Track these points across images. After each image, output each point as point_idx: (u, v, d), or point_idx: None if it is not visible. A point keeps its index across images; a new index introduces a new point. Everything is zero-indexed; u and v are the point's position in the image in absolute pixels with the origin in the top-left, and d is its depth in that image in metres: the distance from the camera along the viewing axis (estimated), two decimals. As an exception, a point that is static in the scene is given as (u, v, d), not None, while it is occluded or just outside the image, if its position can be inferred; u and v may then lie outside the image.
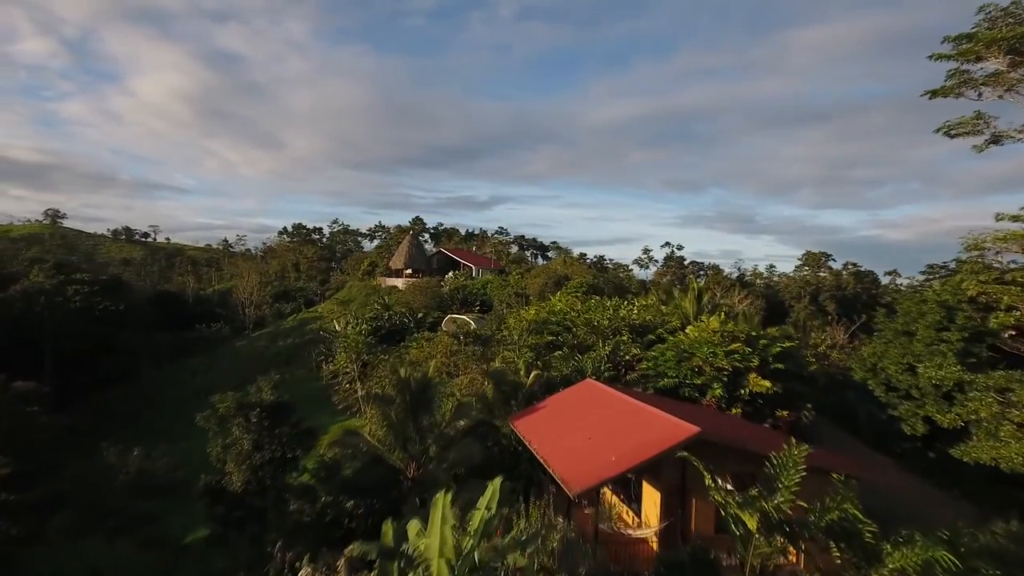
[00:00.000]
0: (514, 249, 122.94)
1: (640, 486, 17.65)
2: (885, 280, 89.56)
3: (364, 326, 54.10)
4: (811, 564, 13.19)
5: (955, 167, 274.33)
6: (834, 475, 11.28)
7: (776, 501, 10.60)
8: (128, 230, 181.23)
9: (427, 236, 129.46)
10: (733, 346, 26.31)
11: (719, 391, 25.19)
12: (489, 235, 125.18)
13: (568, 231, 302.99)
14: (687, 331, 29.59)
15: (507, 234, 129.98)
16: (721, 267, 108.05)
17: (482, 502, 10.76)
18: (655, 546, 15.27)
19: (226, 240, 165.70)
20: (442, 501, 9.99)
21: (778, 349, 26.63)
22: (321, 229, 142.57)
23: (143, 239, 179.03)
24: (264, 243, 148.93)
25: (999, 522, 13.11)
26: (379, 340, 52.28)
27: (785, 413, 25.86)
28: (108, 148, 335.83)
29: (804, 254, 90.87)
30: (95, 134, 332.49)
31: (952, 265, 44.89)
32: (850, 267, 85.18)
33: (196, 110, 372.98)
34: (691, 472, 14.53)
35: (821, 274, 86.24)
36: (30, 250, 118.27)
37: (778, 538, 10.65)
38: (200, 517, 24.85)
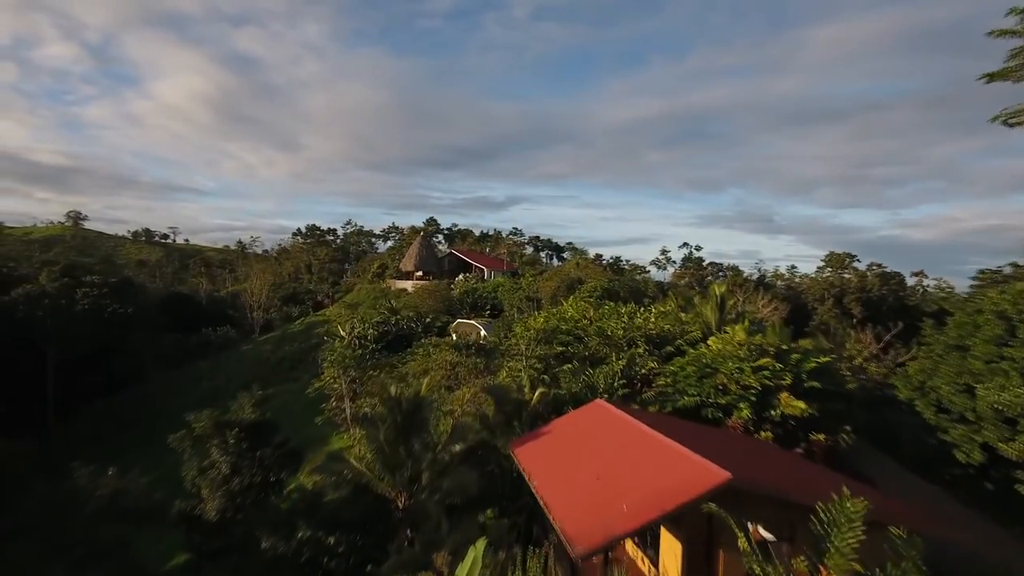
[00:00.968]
0: (529, 250, 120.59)
1: (658, 528, 15.23)
2: (911, 281, 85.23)
3: (370, 331, 52.41)
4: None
5: (979, 165, 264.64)
6: (893, 530, 8.91)
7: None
8: (148, 231, 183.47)
9: (441, 237, 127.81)
10: (762, 361, 23.64)
11: (746, 412, 22.55)
12: (503, 236, 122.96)
13: (585, 231, 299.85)
14: (709, 343, 26.97)
15: (522, 235, 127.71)
16: (741, 268, 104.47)
17: (461, 573, 8.99)
18: (675, 609, 12.86)
19: (240, 241, 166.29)
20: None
21: (813, 365, 23.88)
22: (335, 230, 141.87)
23: (162, 240, 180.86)
24: (279, 244, 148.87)
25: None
26: (385, 346, 50.48)
27: (821, 437, 23.11)
28: (130, 151, 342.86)
29: (828, 255, 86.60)
30: (117, 137, 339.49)
31: (1007, 270, 41.41)
32: (875, 268, 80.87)
33: (215, 113, 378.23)
34: (719, 521, 12.19)
35: (845, 275, 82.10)
36: (50, 251, 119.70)
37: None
38: (180, 542, 23.08)
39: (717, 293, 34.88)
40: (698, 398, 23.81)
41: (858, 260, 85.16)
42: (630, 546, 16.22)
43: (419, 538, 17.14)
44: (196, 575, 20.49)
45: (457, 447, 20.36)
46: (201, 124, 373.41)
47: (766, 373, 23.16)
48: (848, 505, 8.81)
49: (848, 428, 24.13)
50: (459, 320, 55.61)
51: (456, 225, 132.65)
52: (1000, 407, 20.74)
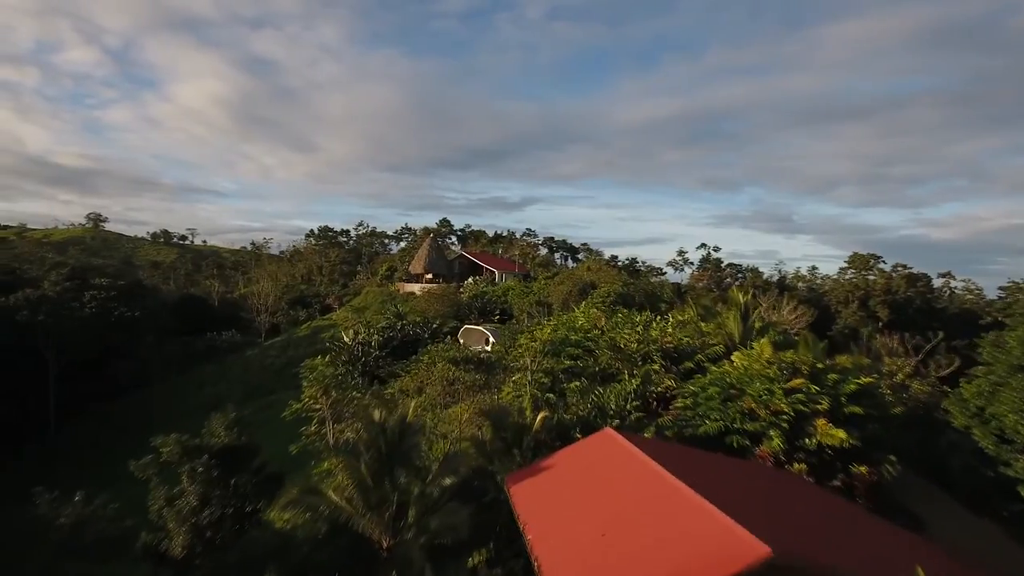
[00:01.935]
0: (543, 251, 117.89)
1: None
2: (938, 283, 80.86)
3: (375, 337, 50.56)
4: None
5: (1003, 162, 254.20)
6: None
7: None
8: (166, 233, 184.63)
9: (454, 238, 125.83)
10: (794, 382, 20.91)
11: (777, 442, 19.89)
12: (517, 237, 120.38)
13: (601, 231, 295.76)
14: (734, 359, 24.29)
15: (536, 235, 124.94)
16: (760, 269, 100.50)
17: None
18: None
19: (254, 243, 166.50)
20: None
21: (853, 387, 21.10)
22: (348, 231, 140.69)
23: (180, 242, 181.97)
24: (292, 245, 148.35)
25: None
26: (390, 352, 48.57)
27: (863, 469, 20.34)
28: (150, 153, 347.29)
29: (851, 255, 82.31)
30: (137, 140, 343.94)
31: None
32: (900, 269, 76.63)
33: (233, 115, 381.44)
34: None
35: (870, 277, 78.02)
36: (65, 253, 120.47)
37: None
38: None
39: (740, 301, 32.02)
40: (722, 424, 21.20)
41: (883, 261, 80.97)
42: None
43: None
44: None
45: (447, 480, 18.12)
46: (219, 126, 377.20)
47: (800, 396, 20.45)
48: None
49: (893, 458, 21.31)
50: (467, 326, 53.47)
51: (469, 226, 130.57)
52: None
